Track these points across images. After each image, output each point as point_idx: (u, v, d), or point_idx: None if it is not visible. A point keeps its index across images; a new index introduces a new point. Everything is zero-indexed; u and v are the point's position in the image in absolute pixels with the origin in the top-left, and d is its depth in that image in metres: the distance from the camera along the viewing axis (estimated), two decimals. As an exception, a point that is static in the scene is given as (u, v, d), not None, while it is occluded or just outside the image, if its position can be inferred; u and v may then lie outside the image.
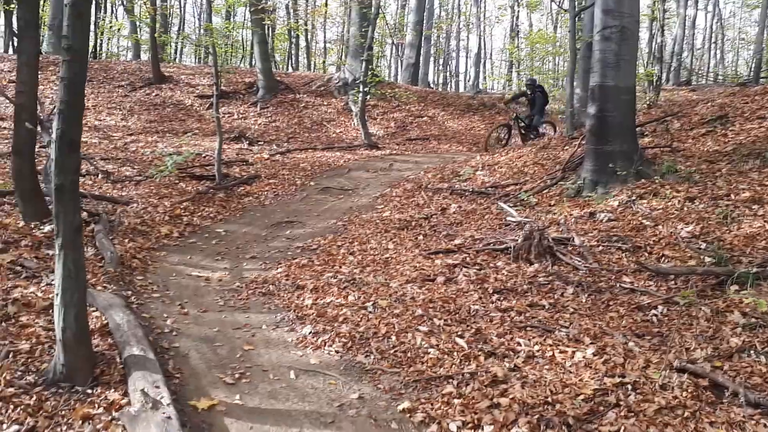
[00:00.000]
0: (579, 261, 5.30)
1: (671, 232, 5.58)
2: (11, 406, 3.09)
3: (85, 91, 14.59)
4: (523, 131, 12.31)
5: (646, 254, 5.35)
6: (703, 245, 5.23)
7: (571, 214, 6.61)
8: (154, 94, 15.53)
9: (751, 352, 3.58)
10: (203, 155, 10.63)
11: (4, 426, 2.95)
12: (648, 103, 12.50)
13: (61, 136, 3.29)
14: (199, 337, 4.21)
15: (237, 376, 3.68)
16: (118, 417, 3.04)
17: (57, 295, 3.31)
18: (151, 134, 12.61)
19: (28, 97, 6.25)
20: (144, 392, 3.05)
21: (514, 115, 12.48)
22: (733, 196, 6.07)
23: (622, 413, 3.10)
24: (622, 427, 2.99)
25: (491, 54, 37.72)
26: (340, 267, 5.70)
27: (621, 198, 6.75)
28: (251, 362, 3.88)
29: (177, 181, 9.02)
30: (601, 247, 5.59)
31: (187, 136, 11.74)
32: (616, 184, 7.15)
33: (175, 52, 32.53)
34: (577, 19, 10.97)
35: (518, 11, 29.30)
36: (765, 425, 2.93)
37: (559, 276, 5.02)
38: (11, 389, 3.21)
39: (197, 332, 4.29)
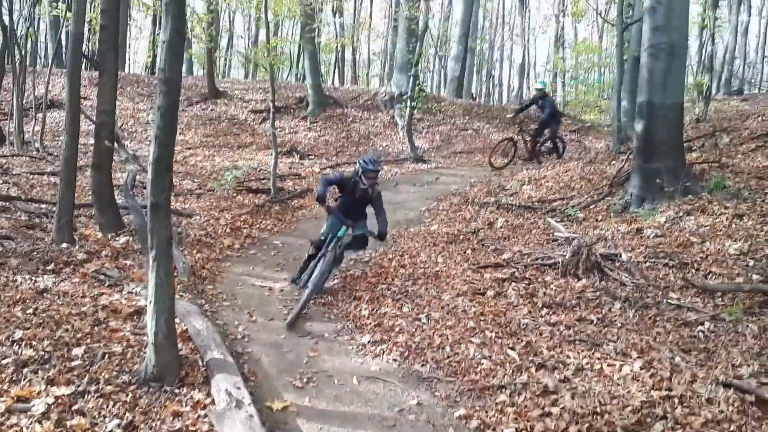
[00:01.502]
0: (626, 277, 5.45)
1: (719, 249, 5.67)
2: (111, 402, 3.49)
3: (143, 106, 15.28)
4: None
5: (693, 271, 5.46)
6: (752, 263, 5.31)
7: (618, 230, 6.73)
8: (209, 109, 16.28)
9: (799, 369, 3.70)
10: (258, 169, 11.14)
11: (107, 419, 3.35)
12: (697, 116, 12.38)
13: (157, 160, 3.71)
14: (267, 343, 4.57)
15: (305, 380, 4.02)
16: (205, 414, 3.40)
17: (150, 302, 3.72)
18: (208, 148, 13.25)
19: (108, 116, 6.84)
20: (228, 392, 3.41)
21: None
22: (783, 214, 6.10)
23: (669, 425, 3.29)
24: (670, 438, 3.18)
25: (535, 64, 37.58)
26: (393, 279, 6.00)
27: (668, 214, 6.84)
28: (317, 368, 4.21)
29: (235, 195, 9.51)
30: (648, 263, 5.71)
31: (245, 150, 12.30)
32: (663, 201, 7.23)
33: (224, 67, 33.69)
34: (624, 30, 11.03)
35: (563, 21, 29.18)
36: (809, 440, 3.08)
37: (607, 291, 5.18)
38: (110, 387, 3.61)
39: (266, 339, 4.66)
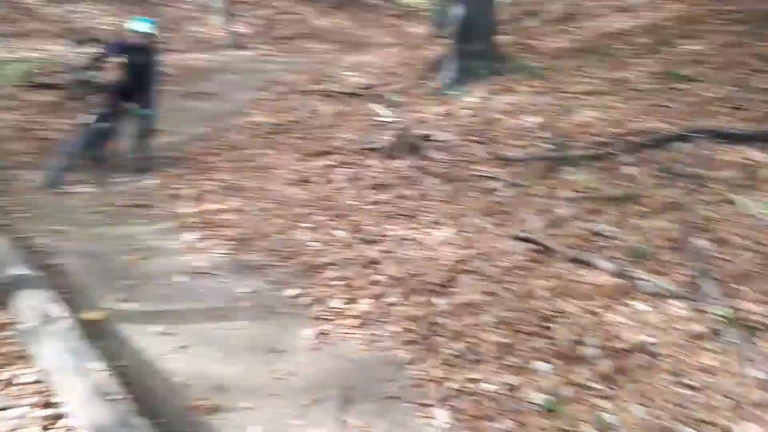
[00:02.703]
0: (443, 155, 5.85)
1: (517, 124, 6.30)
2: None
3: None
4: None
5: (501, 144, 6.02)
6: (545, 134, 6.00)
7: (435, 112, 7.11)
8: (-26, -9, 13.41)
9: (576, 220, 4.39)
10: (51, 62, 9.64)
11: None
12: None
13: None
14: (81, 252, 4.21)
15: (127, 285, 3.82)
16: (11, 335, 3.11)
17: None
18: (-19, 39, 11.08)
19: None
20: (37, 308, 3.13)
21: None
22: (572, 89, 6.89)
23: (476, 277, 3.75)
24: (475, 287, 3.64)
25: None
26: (218, 174, 5.78)
27: (480, 95, 7.35)
28: (139, 271, 4.01)
29: (25, 91, 8.22)
30: (461, 141, 6.17)
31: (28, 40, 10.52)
32: (476, 83, 7.73)
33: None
34: None
35: None
36: (577, 273, 3.74)
37: (425, 170, 5.55)
38: None
39: (76, 248, 4.27)
